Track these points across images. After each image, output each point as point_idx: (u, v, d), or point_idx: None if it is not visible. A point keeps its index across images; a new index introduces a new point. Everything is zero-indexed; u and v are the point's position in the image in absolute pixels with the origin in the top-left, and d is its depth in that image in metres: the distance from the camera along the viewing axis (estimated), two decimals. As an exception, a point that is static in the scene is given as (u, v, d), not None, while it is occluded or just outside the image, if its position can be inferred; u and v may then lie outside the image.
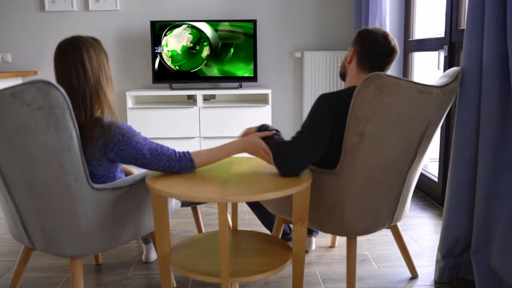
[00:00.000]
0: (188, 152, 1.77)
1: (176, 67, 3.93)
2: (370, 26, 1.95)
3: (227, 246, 1.55)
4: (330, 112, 1.77)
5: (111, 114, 1.76)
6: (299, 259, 1.79)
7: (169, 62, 3.92)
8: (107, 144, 1.69)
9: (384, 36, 1.88)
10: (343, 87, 2.00)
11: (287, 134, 4.32)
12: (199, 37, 3.90)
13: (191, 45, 3.91)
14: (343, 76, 2.02)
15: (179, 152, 1.77)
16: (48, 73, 4.19)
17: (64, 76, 1.71)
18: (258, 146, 1.78)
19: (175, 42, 3.90)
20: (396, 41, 1.91)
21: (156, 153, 1.73)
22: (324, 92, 4.08)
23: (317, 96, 4.12)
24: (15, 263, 2.39)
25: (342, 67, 2.01)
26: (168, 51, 3.90)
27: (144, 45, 4.16)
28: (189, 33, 3.90)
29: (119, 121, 1.73)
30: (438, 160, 3.20)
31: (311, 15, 4.18)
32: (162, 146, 1.76)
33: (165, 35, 3.89)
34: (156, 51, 3.90)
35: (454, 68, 1.97)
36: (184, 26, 3.88)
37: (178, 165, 1.75)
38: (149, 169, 1.76)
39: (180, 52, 3.92)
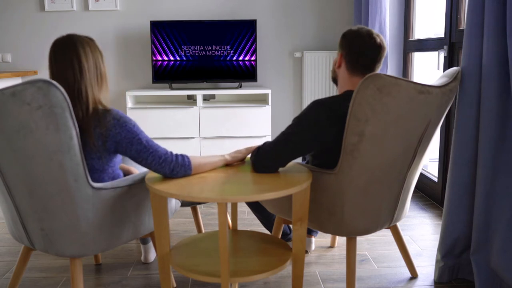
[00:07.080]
0: (187, 157, 1.77)
1: (176, 67, 3.93)
2: (354, 26, 1.92)
3: (227, 246, 1.55)
4: (324, 120, 1.78)
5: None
6: (299, 259, 1.79)
7: (168, 62, 3.92)
8: (103, 131, 1.70)
9: (369, 35, 1.85)
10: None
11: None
12: (199, 37, 3.90)
13: (191, 45, 3.91)
14: (335, 80, 1.99)
15: (177, 154, 1.77)
16: (47, 73, 4.19)
17: (59, 72, 1.74)
18: (237, 151, 1.95)
19: (174, 42, 3.90)
20: (382, 37, 1.89)
21: (153, 144, 1.75)
22: (323, 91, 4.10)
23: (317, 96, 4.11)
24: (14, 263, 2.39)
25: (333, 72, 1.98)
26: (168, 50, 3.90)
27: (144, 45, 4.16)
28: (189, 33, 3.89)
29: (114, 109, 1.76)
30: (438, 160, 3.20)
31: (310, 15, 4.18)
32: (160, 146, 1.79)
33: (165, 34, 3.89)
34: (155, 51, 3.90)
35: (454, 68, 1.97)
36: (184, 26, 3.88)
37: (175, 165, 1.73)
38: (143, 160, 1.73)
39: (180, 52, 3.92)
